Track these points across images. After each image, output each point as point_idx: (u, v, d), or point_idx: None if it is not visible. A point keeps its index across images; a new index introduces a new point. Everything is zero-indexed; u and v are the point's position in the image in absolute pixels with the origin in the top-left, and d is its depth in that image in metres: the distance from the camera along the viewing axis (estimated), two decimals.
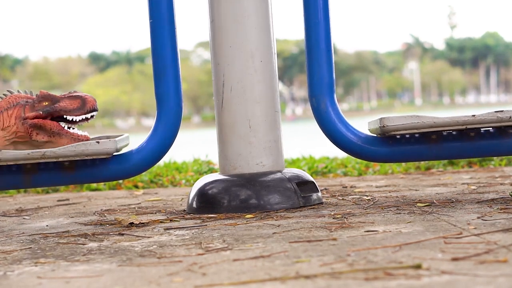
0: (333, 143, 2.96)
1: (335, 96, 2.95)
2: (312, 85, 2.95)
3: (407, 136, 2.87)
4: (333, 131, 2.92)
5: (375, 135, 2.92)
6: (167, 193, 3.91)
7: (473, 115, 2.73)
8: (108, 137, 2.99)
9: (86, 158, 2.71)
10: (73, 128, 2.80)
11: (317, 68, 2.93)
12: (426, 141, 2.86)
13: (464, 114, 2.76)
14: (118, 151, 2.80)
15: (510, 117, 2.72)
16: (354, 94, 73.29)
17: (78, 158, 2.71)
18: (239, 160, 2.98)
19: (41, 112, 2.77)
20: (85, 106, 2.76)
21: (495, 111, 2.76)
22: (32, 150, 2.70)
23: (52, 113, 2.78)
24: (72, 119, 2.78)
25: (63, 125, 2.79)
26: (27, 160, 2.70)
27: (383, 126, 2.75)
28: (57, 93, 2.94)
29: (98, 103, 2.86)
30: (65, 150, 2.69)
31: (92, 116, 2.81)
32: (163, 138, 2.88)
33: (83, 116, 2.78)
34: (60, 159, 2.71)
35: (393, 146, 2.89)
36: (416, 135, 2.87)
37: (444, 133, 2.86)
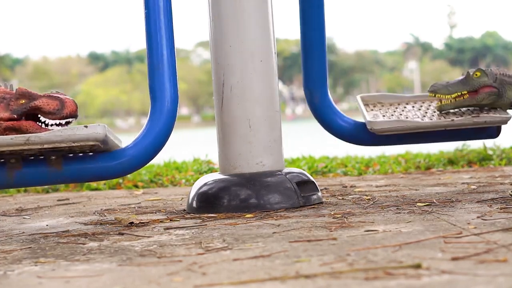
0: (326, 129, 3.27)
1: (327, 88, 3.23)
2: (306, 79, 3.26)
3: None
4: (326, 119, 3.24)
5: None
6: (167, 192, 3.91)
7: (452, 120, 3.02)
8: None
9: (73, 145, 2.50)
10: (51, 125, 2.56)
11: (310, 64, 3.23)
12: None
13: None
14: (107, 143, 2.59)
15: (485, 122, 3.01)
16: (354, 93, 73.26)
17: (64, 145, 2.50)
18: (239, 160, 2.98)
19: (15, 115, 2.56)
20: (63, 110, 2.54)
21: (472, 116, 3.02)
22: (16, 135, 2.50)
23: (26, 112, 2.57)
24: (45, 121, 2.57)
25: (40, 124, 2.58)
26: (10, 147, 2.49)
27: (371, 129, 3.04)
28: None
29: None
30: (51, 135, 2.48)
31: (67, 123, 2.58)
32: (157, 134, 2.72)
33: (57, 121, 2.55)
34: (46, 146, 2.50)
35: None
36: None
37: None
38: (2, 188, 2.81)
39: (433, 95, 3.08)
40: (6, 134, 2.54)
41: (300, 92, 68.22)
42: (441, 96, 3.06)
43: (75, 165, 2.66)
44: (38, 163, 2.65)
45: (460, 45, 74.34)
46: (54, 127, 2.55)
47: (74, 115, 2.55)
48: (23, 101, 2.56)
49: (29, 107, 2.55)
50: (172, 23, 2.77)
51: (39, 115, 2.57)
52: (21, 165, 2.63)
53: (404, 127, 2.99)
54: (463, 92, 3.06)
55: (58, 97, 2.56)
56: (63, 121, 2.56)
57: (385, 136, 3.11)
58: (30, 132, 2.53)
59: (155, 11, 2.75)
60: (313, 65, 3.21)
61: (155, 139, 2.73)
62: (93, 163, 2.66)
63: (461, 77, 3.09)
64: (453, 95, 3.05)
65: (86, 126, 2.48)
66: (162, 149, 2.77)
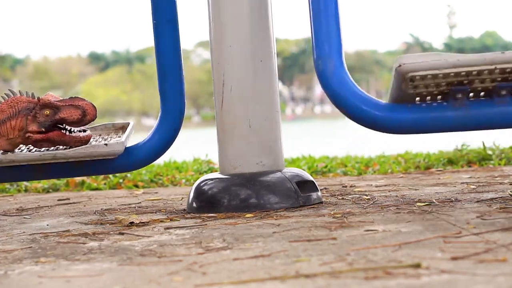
0: (341, 110, 2.62)
1: (343, 58, 2.68)
2: (318, 46, 2.65)
3: (428, 100, 2.54)
4: (341, 96, 2.61)
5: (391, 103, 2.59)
6: (167, 192, 3.92)
7: (503, 52, 2.35)
8: (113, 125, 3.20)
9: (95, 158, 2.84)
10: (73, 131, 2.87)
11: (326, 28, 2.63)
12: (451, 106, 2.51)
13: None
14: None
15: None
16: None
17: (87, 159, 2.85)
18: (239, 160, 2.98)
19: (43, 129, 2.83)
20: (85, 119, 2.82)
21: None
22: (44, 152, 2.83)
23: (53, 124, 2.85)
24: (70, 129, 2.87)
25: (64, 132, 2.86)
26: (38, 161, 2.84)
27: (400, 66, 2.38)
28: (58, 92, 2.97)
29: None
30: (75, 152, 2.82)
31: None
32: (167, 134, 2.99)
33: (80, 128, 2.88)
34: (71, 160, 2.85)
35: (412, 113, 2.55)
36: (439, 98, 2.53)
37: (471, 94, 2.51)
38: (33, 180, 3.29)
39: None
40: (35, 145, 2.86)
41: (300, 92, 68.18)
42: None
43: (95, 163, 2.94)
44: (62, 162, 2.92)
45: (460, 45, 74.30)
46: (78, 132, 2.87)
47: (94, 119, 2.85)
48: (48, 112, 2.84)
49: (55, 119, 2.83)
50: (178, 32, 2.98)
51: (63, 124, 2.86)
52: (48, 164, 2.95)
53: (441, 63, 2.34)
54: None
55: (79, 105, 2.83)
56: (85, 127, 2.89)
57: (422, 116, 2.49)
58: (57, 141, 2.85)
59: (162, 22, 2.95)
60: (328, 30, 2.63)
61: (165, 138, 2.99)
62: (111, 160, 2.94)
63: None
64: None
65: (106, 144, 2.82)
66: (172, 145, 3.05)
